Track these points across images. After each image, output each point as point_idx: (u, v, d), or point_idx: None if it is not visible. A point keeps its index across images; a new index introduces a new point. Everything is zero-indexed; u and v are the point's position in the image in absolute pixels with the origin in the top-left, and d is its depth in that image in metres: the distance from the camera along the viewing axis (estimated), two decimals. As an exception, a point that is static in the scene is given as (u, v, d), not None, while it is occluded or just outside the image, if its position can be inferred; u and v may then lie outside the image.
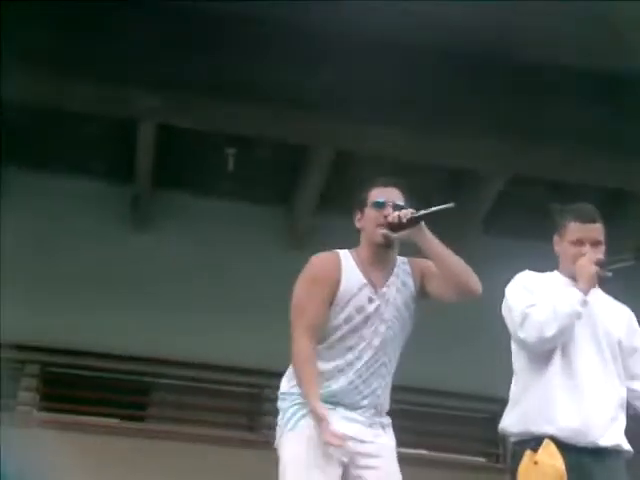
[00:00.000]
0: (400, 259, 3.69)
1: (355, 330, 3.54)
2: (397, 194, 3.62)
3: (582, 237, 3.80)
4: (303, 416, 3.51)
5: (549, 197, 8.49)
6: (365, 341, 3.54)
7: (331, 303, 3.53)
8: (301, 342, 3.46)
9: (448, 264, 3.49)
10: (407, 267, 3.65)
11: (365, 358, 3.54)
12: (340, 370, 3.55)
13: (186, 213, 9.80)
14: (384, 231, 3.52)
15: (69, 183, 9.57)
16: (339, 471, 3.49)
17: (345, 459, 3.48)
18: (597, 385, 3.74)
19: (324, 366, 3.54)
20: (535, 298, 3.75)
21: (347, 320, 3.54)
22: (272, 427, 3.80)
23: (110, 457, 8.31)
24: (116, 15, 7.63)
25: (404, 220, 3.45)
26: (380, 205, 3.56)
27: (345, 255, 3.61)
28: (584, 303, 3.70)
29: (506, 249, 9.03)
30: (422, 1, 7.25)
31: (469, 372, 9.25)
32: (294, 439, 3.49)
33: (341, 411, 3.56)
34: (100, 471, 7.82)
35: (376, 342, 3.55)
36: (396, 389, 3.82)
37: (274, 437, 3.68)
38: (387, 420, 3.71)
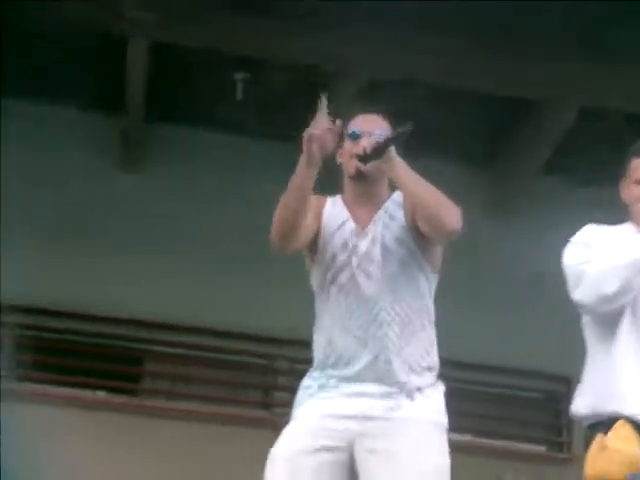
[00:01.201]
0: (396, 193, 3.44)
1: (343, 269, 3.32)
2: (377, 123, 3.41)
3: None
4: (299, 404, 3.30)
5: (629, 134, 7.62)
6: (355, 284, 3.31)
7: (317, 237, 3.36)
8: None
9: (416, 194, 3.25)
10: (400, 199, 3.40)
11: (360, 303, 3.29)
12: (337, 322, 3.29)
13: (181, 148, 8.93)
14: (355, 162, 3.33)
15: (53, 111, 8.71)
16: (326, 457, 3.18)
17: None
18: None
19: (325, 322, 3.32)
20: (592, 253, 3.49)
21: (333, 258, 3.34)
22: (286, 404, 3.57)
23: (99, 435, 7.77)
24: None
25: (368, 150, 3.28)
26: (354, 136, 3.37)
27: (333, 198, 3.48)
28: None
29: (573, 195, 8.66)
30: None
31: (528, 344, 8.44)
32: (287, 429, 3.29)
33: (343, 387, 3.25)
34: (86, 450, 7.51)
35: (368, 285, 3.30)
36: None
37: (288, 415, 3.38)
38: (422, 381, 3.28)
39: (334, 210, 3.38)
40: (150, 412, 8.17)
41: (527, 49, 7.45)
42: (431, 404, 3.26)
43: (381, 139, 3.27)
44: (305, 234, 3.29)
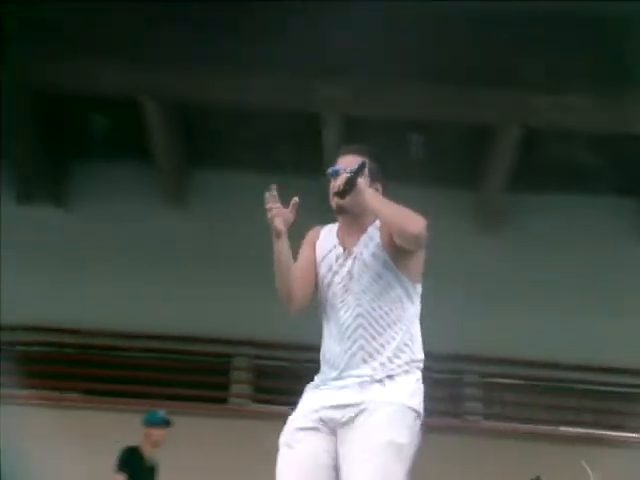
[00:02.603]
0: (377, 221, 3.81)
1: (329, 287, 3.73)
2: (351, 160, 3.75)
3: None
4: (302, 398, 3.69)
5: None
6: (338, 297, 3.71)
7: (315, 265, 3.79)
8: None
9: (382, 215, 3.67)
10: (377, 222, 3.79)
11: (343, 313, 3.69)
12: (327, 333, 3.73)
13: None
14: (335, 199, 3.73)
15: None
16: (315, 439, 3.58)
17: None
18: None
19: (324, 333, 3.74)
20: None
21: (323, 279, 3.76)
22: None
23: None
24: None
25: (341, 186, 3.67)
26: (332, 175, 3.76)
27: (331, 225, 3.87)
28: None
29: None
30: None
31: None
32: None
33: (331, 383, 3.64)
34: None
35: (348, 296, 3.71)
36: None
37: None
38: (394, 371, 3.63)
39: (327, 238, 3.80)
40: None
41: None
42: (401, 389, 3.59)
43: (348, 175, 3.63)
44: (307, 290, 3.73)
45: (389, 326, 3.70)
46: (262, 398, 9.75)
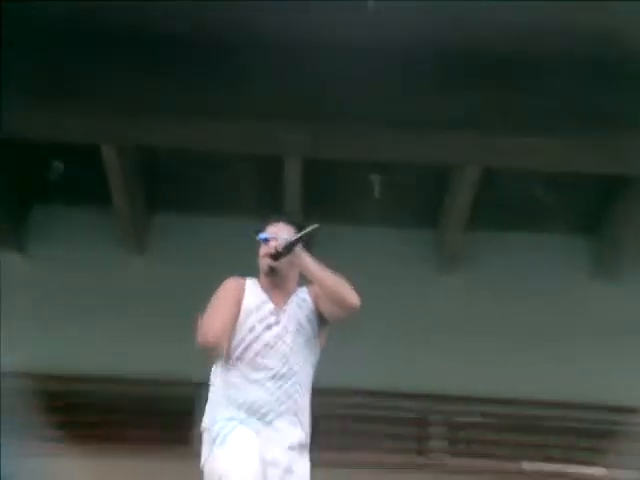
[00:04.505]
0: (301, 288, 4.03)
1: (258, 339, 3.86)
2: (283, 229, 3.98)
3: None
4: (232, 430, 3.72)
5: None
6: (268, 350, 3.84)
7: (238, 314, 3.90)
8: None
9: (324, 282, 3.83)
10: (305, 289, 4.01)
11: (274, 367, 3.82)
12: (255, 381, 3.81)
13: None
14: (268, 260, 3.91)
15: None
16: None
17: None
18: None
19: (240, 381, 3.82)
20: None
21: (251, 330, 3.87)
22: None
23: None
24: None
25: (279, 249, 3.86)
26: (265, 240, 3.97)
27: (251, 279, 4.01)
28: None
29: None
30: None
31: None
32: (225, 455, 3.70)
33: (260, 427, 3.75)
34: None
35: (280, 350, 3.85)
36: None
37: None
38: (305, 440, 3.86)
39: (254, 290, 3.94)
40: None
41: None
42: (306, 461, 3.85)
43: (290, 239, 3.85)
44: (231, 330, 3.84)
45: (308, 391, 3.92)
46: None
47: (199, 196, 10.04)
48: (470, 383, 9.44)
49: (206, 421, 3.83)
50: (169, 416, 9.59)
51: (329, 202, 9.37)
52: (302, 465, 3.82)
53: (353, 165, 9.23)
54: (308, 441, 3.88)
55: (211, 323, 3.75)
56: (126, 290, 10.10)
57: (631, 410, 9.48)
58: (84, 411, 9.64)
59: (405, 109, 8.29)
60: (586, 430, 9.69)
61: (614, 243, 10.00)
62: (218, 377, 3.89)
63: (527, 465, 9.44)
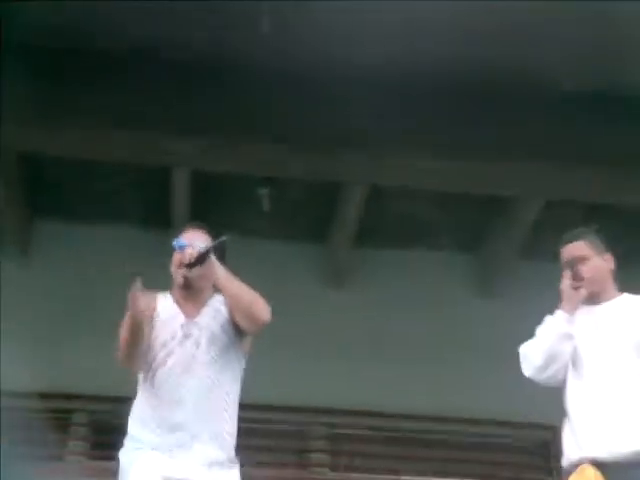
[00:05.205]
0: (217, 296, 4.00)
1: (171, 354, 3.82)
2: (199, 236, 3.97)
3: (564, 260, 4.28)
4: (136, 459, 3.73)
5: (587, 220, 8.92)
6: (182, 365, 3.80)
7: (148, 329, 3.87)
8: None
9: (233, 295, 3.80)
10: (221, 298, 3.96)
11: (187, 381, 3.78)
12: (170, 399, 3.78)
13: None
14: (182, 270, 3.88)
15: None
16: None
17: None
18: (612, 397, 3.86)
19: (155, 399, 3.78)
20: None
21: (163, 344, 3.83)
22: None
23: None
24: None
25: (193, 258, 3.83)
26: (180, 247, 3.92)
27: (163, 293, 4.00)
28: (569, 321, 4.02)
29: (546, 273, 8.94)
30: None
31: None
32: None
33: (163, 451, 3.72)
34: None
35: (193, 364, 3.80)
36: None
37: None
38: (224, 457, 3.88)
39: (164, 304, 3.94)
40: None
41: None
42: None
43: (203, 249, 3.85)
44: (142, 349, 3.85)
45: (230, 404, 3.92)
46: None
47: (83, 204, 9.89)
48: (353, 397, 9.53)
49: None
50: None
51: (217, 213, 9.36)
52: None
53: (242, 177, 9.24)
54: (232, 455, 3.89)
55: (119, 348, 3.77)
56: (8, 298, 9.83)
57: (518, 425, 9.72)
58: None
59: (293, 125, 8.32)
60: (470, 444, 9.85)
61: (492, 260, 10.24)
62: (139, 393, 3.89)
63: (406, 479, 9.56)
